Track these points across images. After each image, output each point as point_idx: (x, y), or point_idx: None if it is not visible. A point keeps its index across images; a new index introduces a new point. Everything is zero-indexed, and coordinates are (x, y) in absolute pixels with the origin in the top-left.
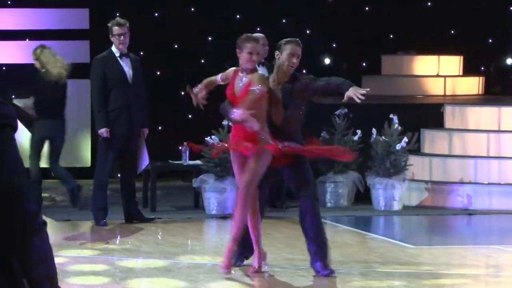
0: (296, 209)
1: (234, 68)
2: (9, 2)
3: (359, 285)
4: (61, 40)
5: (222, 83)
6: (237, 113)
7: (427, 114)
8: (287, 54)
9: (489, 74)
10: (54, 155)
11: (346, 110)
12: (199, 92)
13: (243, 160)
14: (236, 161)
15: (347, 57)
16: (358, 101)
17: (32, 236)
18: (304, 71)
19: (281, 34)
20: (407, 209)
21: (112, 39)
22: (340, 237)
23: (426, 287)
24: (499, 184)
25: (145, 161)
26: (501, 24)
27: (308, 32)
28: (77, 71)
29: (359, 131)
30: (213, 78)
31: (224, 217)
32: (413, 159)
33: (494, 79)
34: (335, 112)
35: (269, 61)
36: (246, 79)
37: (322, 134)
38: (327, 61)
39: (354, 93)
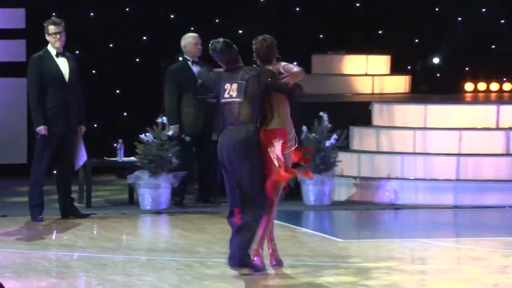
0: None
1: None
2: None
3: (289, 278)
4: None
5: None
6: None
7: (356, 112)
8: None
9: (415, 73)
10: None
11: None
12: None
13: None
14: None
15: (287, 54)
16: None
17: None
18: None
19: (214, 34)
20: (336, 204)
21: (48, 38)
22: None
23: (354, 279)
24: (425, 179)
25: (82, 157)
26: (427, 24)
27: (240, 32)
28: (14, 70)
29: None
30: None
31: (158, 212)
32: (342, 156)
33: (421, 78)
34: None
35: (202, 60)
36: None
37: None
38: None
39: None
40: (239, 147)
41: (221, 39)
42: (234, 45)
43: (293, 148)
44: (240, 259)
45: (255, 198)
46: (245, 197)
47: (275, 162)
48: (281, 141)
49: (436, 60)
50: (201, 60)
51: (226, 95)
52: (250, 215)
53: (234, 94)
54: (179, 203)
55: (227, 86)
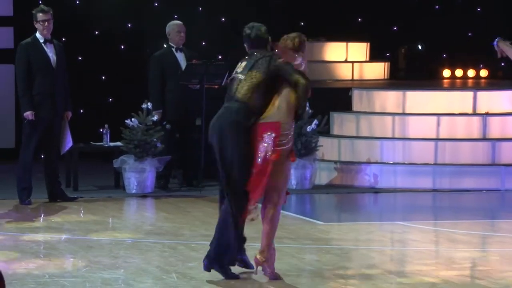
0: (212, 188)
1: None
2: None
3: None
4: None
5: None
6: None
7: (336, 98)
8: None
9: (394, 60)
10: None
11: None
12: None
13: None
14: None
15: None
16: None
17: None
18: (219, 56)
19: (196, 22)
20: (317, 188)
21: (37, 25)
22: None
23: (335, 261)
24: (404, 163)
25: (68, 143)
26: (405, 12)
27: (223, 19)
28: (2, 56)
29: None
30: None
31: (144, 195)
32: (323, 141)
33: (400, 64)
34: None
35: (186, 47)
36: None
37: None
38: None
39: None
40: (227, 129)
41: (255, 27)
42: (267, 35)
43: (287, 147)
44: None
45: (239, 186)
46: (229, 184)
47: (259, 155)
48: (272, 135)
49: (420, 46)
50: (185, 47)
51: (233, 72)
52: (233, 208)
53: (239, 70)
54: (164, 186)
55: (239, 64)
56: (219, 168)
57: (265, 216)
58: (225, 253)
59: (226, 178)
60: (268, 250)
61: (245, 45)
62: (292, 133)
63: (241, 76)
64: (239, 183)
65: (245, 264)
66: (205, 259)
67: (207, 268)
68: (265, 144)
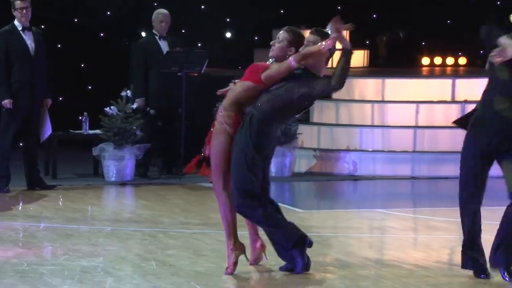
0: (191, 176)
1: None
2: None
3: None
4: None
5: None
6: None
7: None
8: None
9: (374, 48)
10: None
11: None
12: None
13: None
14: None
15: (241, 31)
16: None
17: None
18: (199, 44)
19: (179, 10)
20: (297, 176)
21: (15, 13)
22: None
23: (314, 248)
24: (383, 151)
25: (48, 130)
26: (385, 0)
27: (202, 7)
28: None
29: None
30: None
31: (123, 183)
32: (302, 128)
33: (380, 52)
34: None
35: (171, 35)
36: None
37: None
38: (228, 35)
39: None
40: None
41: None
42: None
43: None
44: None
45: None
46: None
47: None
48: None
49: (401, 34)
50: (169, 34)
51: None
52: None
53: None
54: (143, 174)
55: None
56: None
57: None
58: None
59: None
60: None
61: None
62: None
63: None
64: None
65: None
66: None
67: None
68: None
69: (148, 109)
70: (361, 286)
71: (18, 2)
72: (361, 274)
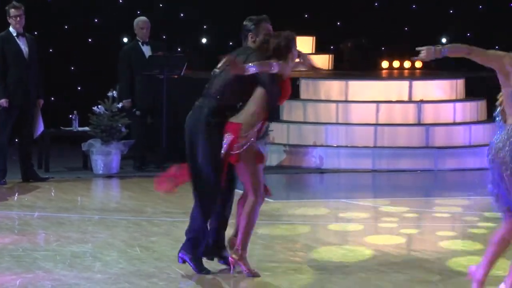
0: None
1: None
2: None
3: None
4: None
5: None
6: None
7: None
8: (265, 34)
9: (338, 52)
10: None
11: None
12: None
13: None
14: None
15: (219, 36)
16: None
17: None
18: (179, 49)
19: (158, 17)
20: (268, 169)
21: (10, 20)
22: None
23: (284, 235)
24: (346, 146)
25: (40, 128)
26: (347, 9)
27: (181, 15)
28: None
29: None
30: None
31: (110, 176)
32: (273, 125)
33: (345, 56)
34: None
35: (155, 40)
36: None
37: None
38: (203, 40)
39: None
40: (197, 127)
41: (247, 19)
42: (250, 27)
43: (244, 149)
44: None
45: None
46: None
47: (221, 152)
48: (231, 137)
49: (364, 40)
50: (152, 39)
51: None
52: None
53: (219, 65)
54: (139, 167)
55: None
56: (189, 165)
57: (242, 213)
58: (197, 245)
59: (194, 176)
60: (243, 248)
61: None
62: (250, 134)
63: (218, 70)
64: (207, 182)
65: (226, 261)
66: (180, 250)
67: (181, 260)
68: (225, 145)
69: (134, 110)
70: (327, 267)
71: (13, 10)
72: (327, 258)
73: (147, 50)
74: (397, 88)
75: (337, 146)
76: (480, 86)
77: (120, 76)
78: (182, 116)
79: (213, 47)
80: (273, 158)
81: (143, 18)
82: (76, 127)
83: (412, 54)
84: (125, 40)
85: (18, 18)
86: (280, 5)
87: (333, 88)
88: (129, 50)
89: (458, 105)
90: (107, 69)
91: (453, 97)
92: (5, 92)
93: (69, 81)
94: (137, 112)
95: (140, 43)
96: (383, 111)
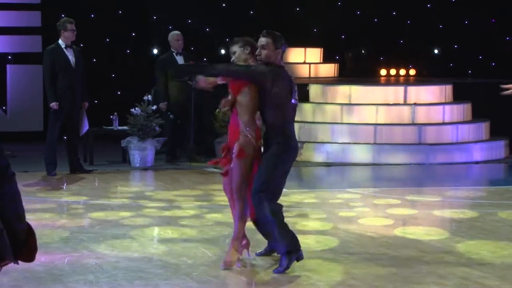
0: (198, 163)
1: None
2: None
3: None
4: (19, 35)
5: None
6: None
7: (297, 92)
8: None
9: (342, 62)
10: None
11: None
12: None
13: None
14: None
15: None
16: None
17: (5, 183)
18: (204, 59)
19: (187, 31)
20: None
21: (66, 33)
22: None
23: (296, 219)
24: (350, 143)
25: (85, 127)
26: (351, 24)
27: (207, 29)
28: (33, 58)
29: None
30: None
31: (145, 169)
32: None
33: (348, 65)
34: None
35: (186, 51)
36: None
37: None
38: (222, 51)
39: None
40: None
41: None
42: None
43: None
44: None
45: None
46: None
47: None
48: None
49: (363, 51)
50: (184, 51)
51: (295, 98)
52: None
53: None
54: (171, 161)
55: (296, 89)
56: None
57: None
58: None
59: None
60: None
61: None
62: (248, 134)
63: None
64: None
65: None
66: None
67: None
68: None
69: (168, 113)
70: (331, 247)
71: (69, 25)
72: (333, 240)
73: (180, 60)
74: (394, 93)
75: (342, 143)
76: (466, 91)
77: (157, 82)
78: (207, 118)
79: (229, 57)
80: None
81: (177, 32)
82: (116, 126)
83: (406, 63)
84: (155, 51)
85: (75, 32)
86: (293, 22)
87: (338, 92)
88: (164, 60)
89: (447, 107)
90: (143, 76)
91: (443, 100)
92: (55, 96)
93: (110, 86)
94: (171, 116)
95: (174, 53)
96: (381, 113)
